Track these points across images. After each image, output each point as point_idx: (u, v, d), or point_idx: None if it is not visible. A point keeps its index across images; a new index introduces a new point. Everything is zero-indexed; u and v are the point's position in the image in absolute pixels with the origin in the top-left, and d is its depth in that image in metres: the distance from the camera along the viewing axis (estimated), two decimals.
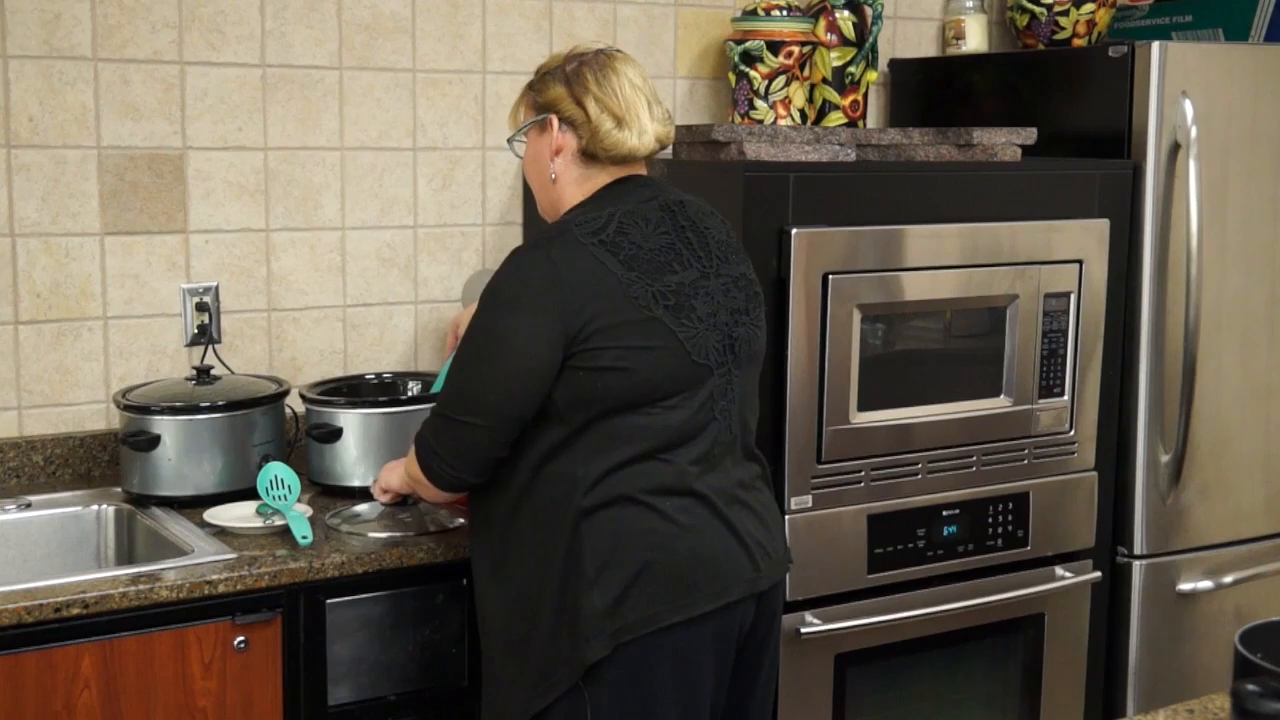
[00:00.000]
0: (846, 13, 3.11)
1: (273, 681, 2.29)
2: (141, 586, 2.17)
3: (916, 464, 2.73)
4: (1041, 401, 2.86)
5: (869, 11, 3.11)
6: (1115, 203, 2.94)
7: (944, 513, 2.76)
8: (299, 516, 2.42)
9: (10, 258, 2.68)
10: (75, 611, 2.12)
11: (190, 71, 2.79)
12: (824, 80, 3.14)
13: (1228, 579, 3.13)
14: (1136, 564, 3.05)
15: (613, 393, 2.03)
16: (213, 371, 2.69)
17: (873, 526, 2.68)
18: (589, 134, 2.14)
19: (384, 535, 2.40)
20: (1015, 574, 2.87)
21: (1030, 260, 2.80)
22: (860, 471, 2.66)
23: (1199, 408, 3.03)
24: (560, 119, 2.16)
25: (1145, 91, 2.94)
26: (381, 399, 2.69)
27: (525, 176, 2.31)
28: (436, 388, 2.42)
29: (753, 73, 3.06)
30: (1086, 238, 2.88)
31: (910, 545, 2.72)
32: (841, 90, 3.14)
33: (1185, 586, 3.09)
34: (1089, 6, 3.33)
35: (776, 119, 3.07)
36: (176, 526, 2.45)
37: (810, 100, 3.15)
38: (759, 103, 3.07)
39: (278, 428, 2.66)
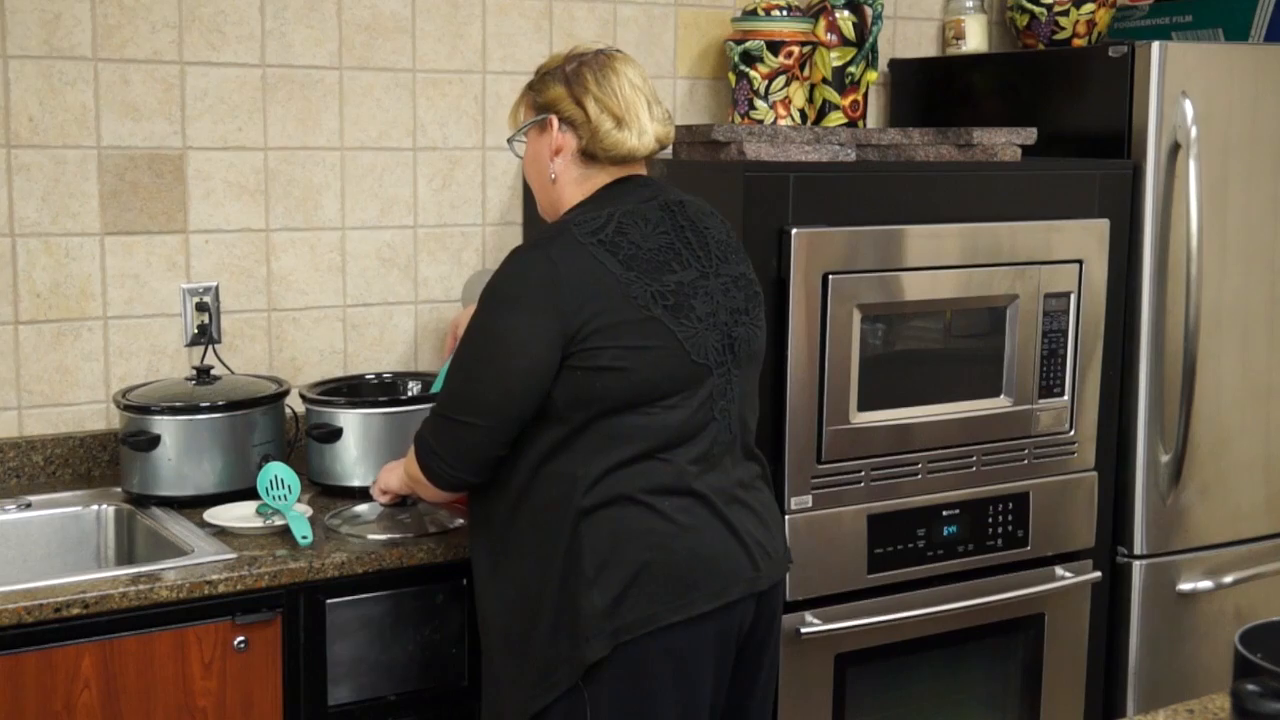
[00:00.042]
0: (846, 13, 3.11)
1: (273, 681, 2.29)
2: (141, 586, 2.17)
3: (916, 464, 2.73)
4: (1041, 401, 2.86)
5: (869, 11, 3.11)
6: (1115, 203, 2.94)
7: (944, 513, 2.76)
8: (299, 516, 2.42)
9: (10, 258, 2.68)
10: (75, 611, 2.12)
11: (190, 71, 2.79)
12: (824, 80, 3.14)
13: (1228, 579, 3.13)
14: (1136, 564, 3.05)
15: (612, 392, 2.03)
16: (213, 371, 2.69)
17: (873, 526, 2.68)
18: (589, 134, 2.14)
19: (383, 537, 2.40)
20: (1015, 574, 2.87)
21: (1030, 260, 2.80)
22: (860, 471, 2.66)
23: (1199, 408, 3.03)
24: (560, 119, 2.16)
25: (1145, 91, 2.94)
26: (381, 399, 2.69)
27: (525, 176, 2.31)
28: (436, 388, 2.42)
29: (753, 73, 3.06)
30: (1086, 238, 2.88)
31: (910, 545, 2.72)
32: (841, 90, 3.15)
33: (1185, 586, 3.09)
34: (1089, 6, 3.33)
35: (776, 119, 3.07)
36: (176, 526, 2.45)
37: (810, 100, 3.15)
38: (759, 103, 3.07)
39: (278, 428, 2.66)
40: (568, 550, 2.04)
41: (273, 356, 2.92)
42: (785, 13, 3.07)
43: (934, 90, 3.49)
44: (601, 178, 2.17)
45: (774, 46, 3.04)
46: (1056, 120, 3.12)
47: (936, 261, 2.70)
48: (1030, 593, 2.87)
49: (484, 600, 2.20)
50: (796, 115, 3.09)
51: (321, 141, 2.92)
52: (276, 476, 2.49)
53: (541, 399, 2.05)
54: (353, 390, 2.80)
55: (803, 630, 2.60)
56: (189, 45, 2.78)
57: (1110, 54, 3.00)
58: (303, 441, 2.75)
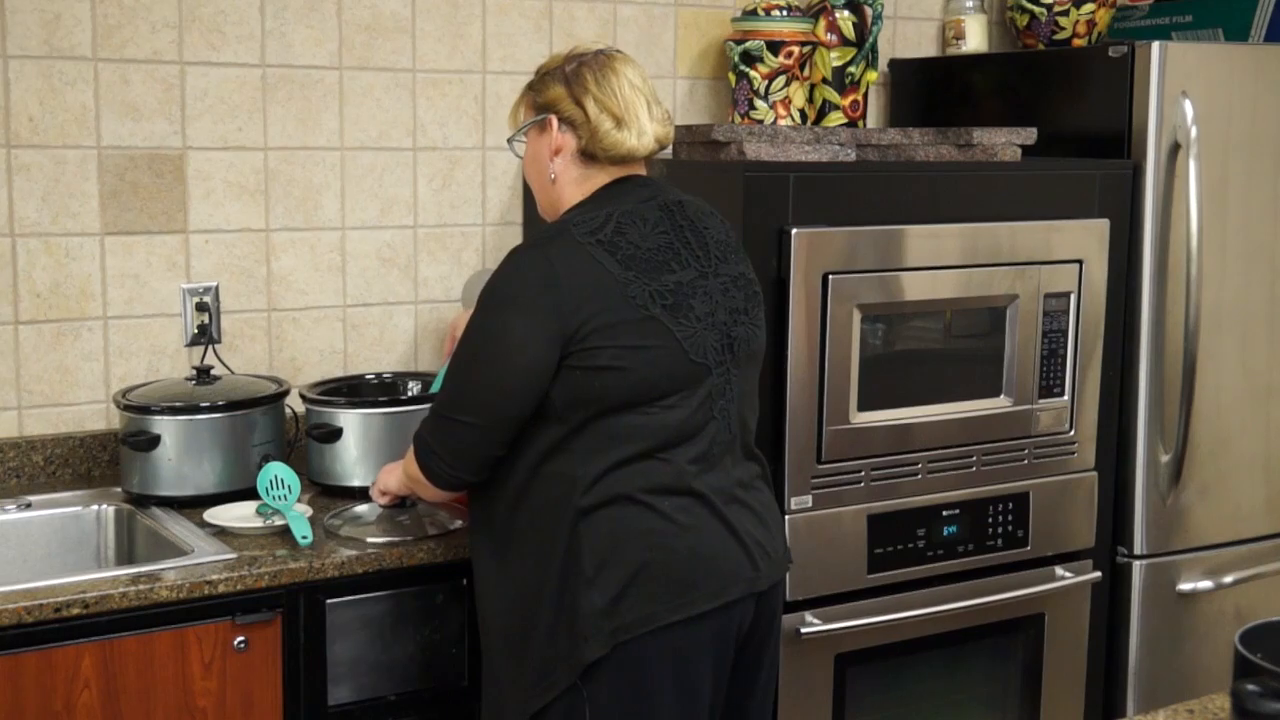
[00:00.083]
0: (846, 13, 3.11)
1: (273, 681, 2.29)
2: (141, 586, 2.17)
3: (916, 464, 2.73)
4: (1041, 401, 2.86)
5: (869, 11, 3.11)
6: (1115, 203, 2.94)
7: (944, 513, 2.76)
8: (299, 516, 2.42)
9: (10, 258, 2.68)
10: (75, 611, 2.12)
11: (190, 71, 2.79)
12: (824, 80, 3.14)
13: (1228, 579, 3.13)
14: (1136, 564, 3.05)
15: (610, 392, 2.03)
16: (213, 371, 2.69)
17: (873, 526, 2.68)
18: (588, 134, 2.14)
19: (382, 540, 2.40)
20: (1015, 574, 2.87)
21: (1030, 260, 2.80)
22: (860, 471, 2.66)
23: (1199, 408, 3.03)
24: (560, 119, 2.16)
25: (1145, 91, 2.94)
26: (381, 399, 2.69)
27: (525, 176, 2.31)
28: (435, 388, 2.42)
29: (753, 73, 3.06)
30: (1086, 238, 2.88)
31: (910, 545, 2.72)
32: (841, 90, 3.15)
33: (1185, 586, 3.09)
34: (1089, 6, 3.33)
35: (776, 119, 3.07)
36: (176, 526, 2.45)
37: (810, 100, 3.15)
38: (759, 103, 3.07)
39: (278, 428, 2.66)
40: (567, 550, 2.04)
41: (273, 356, 2.92)
42: (785, 13, 3.07)
43: (934, 90, 3.49)
44: (601, 178, 2.17)
45: (774, 46, 3.04)
46: (1056, 120, 3.12)
47: (936, 261, 2.70)
48: (1030, 593, 2.87)
49: (484, 600, 2.20)
50: (796, 115, 3.09)
51: (321, 141, 2.92)
52: (276, 476, 2.49)
53: (540, 399, 2.05)
54: (353, 390, 2.80)
55: (803, 630, 2.60)
56: (189, 45, 2.78)
57: (1110, 54, 3.00)
58: (303, 441, 2.75)
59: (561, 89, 2.16)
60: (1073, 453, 2.92)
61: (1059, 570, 2.92)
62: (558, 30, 3.13)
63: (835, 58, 3.13)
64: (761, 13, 3.07)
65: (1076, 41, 3.38)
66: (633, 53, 3.05)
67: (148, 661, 2.18)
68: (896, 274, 2.66)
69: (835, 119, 3.15)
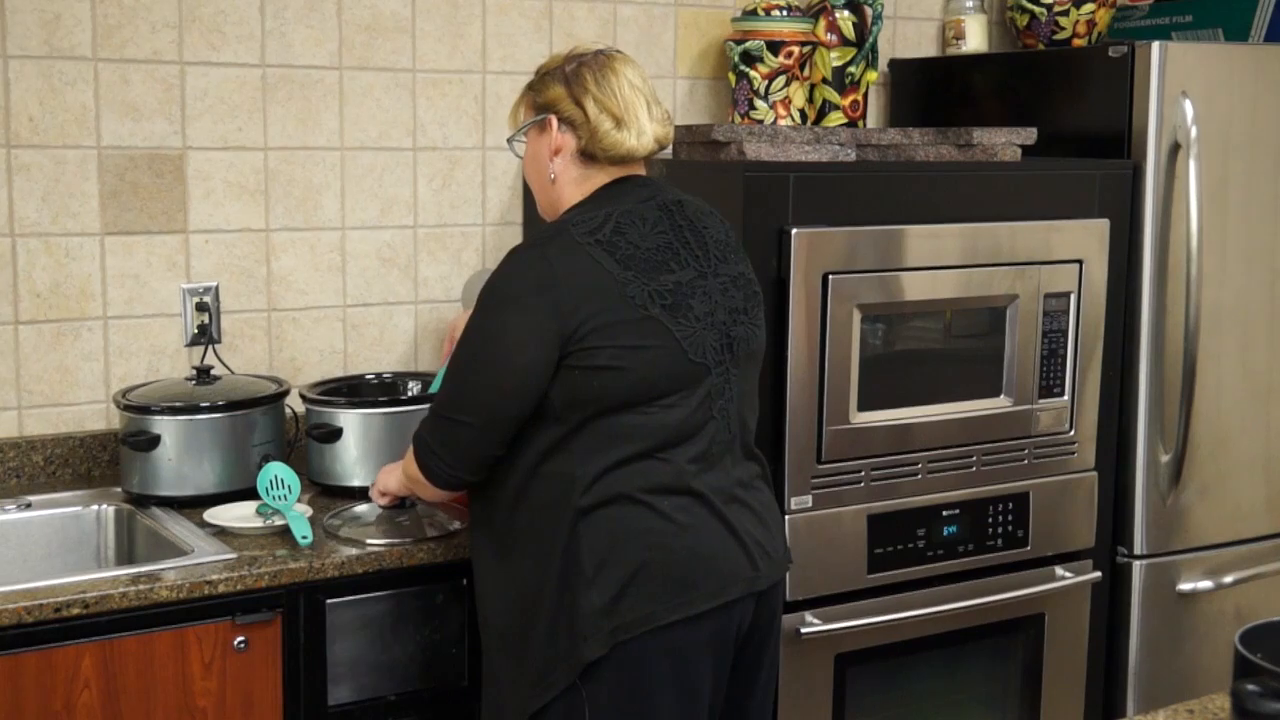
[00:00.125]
0: (846, 13, 3.11)
1: (273, 681, 2.29)
2: (141, 586, 2.17)
3: (916, 464, 2.73)
4: (1041, 401, 2.86)
5: (869, 11, 3.11)
6: (1115, 203, 2.94)
7: (944, 513, 2.76)
8: (299, 516, 2.42)
9: (10, 258, 2.68)
10: (75, 611, 2.12)
11: (190, 71, 2.79)
12: (824, 80, 3.14)
13: (1228, 579, 3.13)
14: (1136, 564, 3.05)
15: (609, 392, 2.03)
16: (213, 371, 2.69)
17: (873, 526, 2.68)
18: (588, 134, 2.14)
19: (381, 542, 2.40)
20: (1015, 574, 2.87)
21: (1030, 260, 2.80)
22: (860, 471, 2.66)
23: (1199, 408, 3.03)
24: (559, 119, 2.16)
25: (1145, 91, 2.94)
26: (381, 399, 2.69)
27: (525, 177, 2.31)
28: (434, 389, 2.42)
29: (753, 73, 3.06)
30: (1086, 238, 2.88)
31: (910, 545, 2.72)
32: (841, 90, 3.15)
33: (1185, 586, 3.09)
34: (1089, 6, 3.33)
35: (776, 119, 3.07)
36: (176, 526, 2.45)
37: (810, 100, 3.15)
38: (759, 103, 3.07)
39: (278, 428, 2.66)
40: (566, 549, 2.04)
41: (273, 356, 2.92)
42: (785, 13, 3.07)
43: (934, 90, 3.49)
44: (600, 178, 2.17)
45: (774, 46, 3.04)
46: (1056, 120, 3.12)
47: (936, 261, 2.70)
48: (1030, 593, 2.87)
49: (484, 599, 2.20)
50: (796, 115, 3.09)
51: (321, 141, 2.92)
52: (276, 476, 2.49)
53: (539, 398, 2.05)
54: (353, 390, 2.80)
55: (803, 630, 2.60)
56: (189, 45, 2.78)
57: (1110, 54, 3.00)
58: (303, 441, 2.75)
59: (561, 89, 2.16)
60: (1073, 453, 2.92)
61: (1059, 570, 2.92)
62: (558, 30, 3.13)
63: (835, 58, 3.13)
64: (761, 13, 3.07)
65: (1076, 41, 3.38)
66: (633, 53, 3.05)
67: (148, 661, 2.18)
68: (896, 274, 2.66)
69: (835, 119, 3.15)
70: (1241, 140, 3.04)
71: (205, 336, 2.83)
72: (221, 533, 2.42)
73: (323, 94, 2.91)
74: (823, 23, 3.12)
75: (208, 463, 2.56)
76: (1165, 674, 3.10)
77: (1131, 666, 3.07)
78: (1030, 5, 3.39)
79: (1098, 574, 2.97)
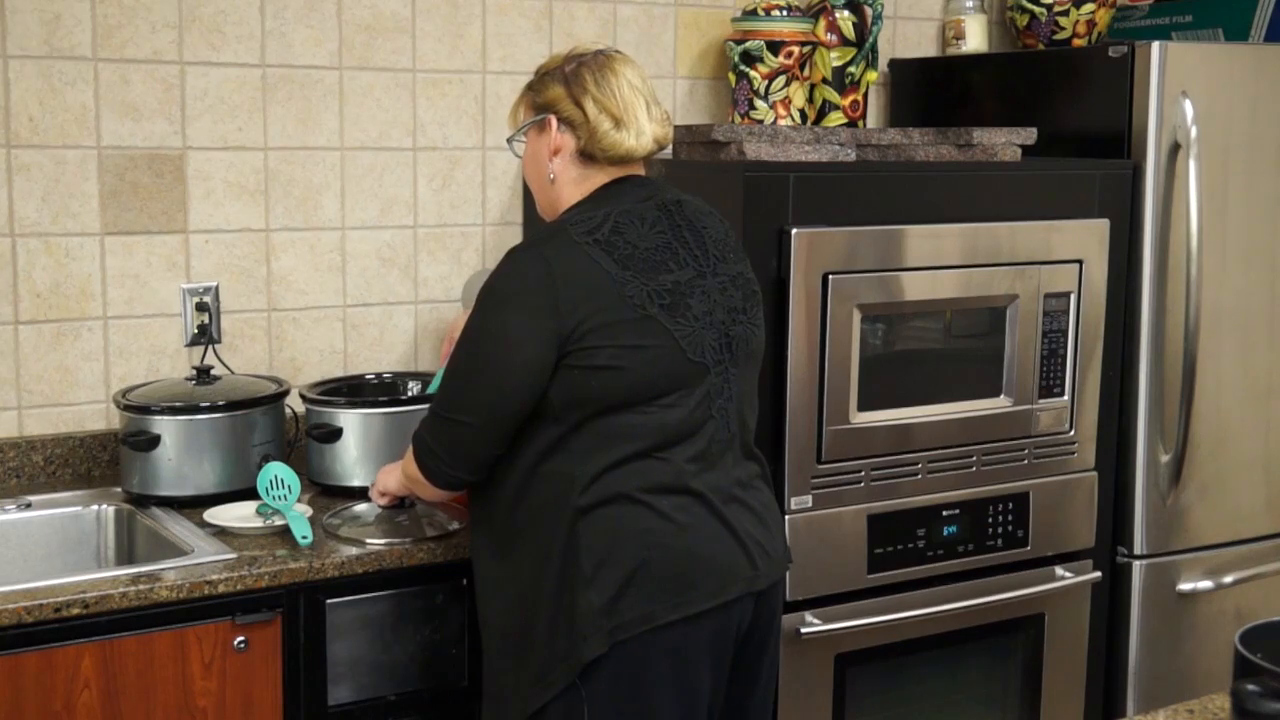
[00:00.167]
0: (846, 13, 3.11)
1: (273, 681, 2.29)
2: (141, 586, 2.17)
3: (916, 464, 2.73)
4: (1041, 401, 2.86)
5: (869, 11, 3.11)
6: (1115, 203, 2.94)
7: (944, 513, 2.76)
8: (299, 516, 2.42)
9: (10, 258, 2.68)
10: (75, 611, 2.12)
11: (190, 71, 2.79)
12: (824, 80, 3.14)
13: (1228, 579, 3.13)
14: (1136, 564, 3.05)
15: (608, 391, 2.03)
16: (213, 371, 2.69)
17: (873, 526, 2.68)
18: (587, 134, 2.14)
19: (381, 542, 2.40)
20: (1015, 574, 2.87)
21: (1030, 260, 2.80)
22: (860, 471, 2.66)
23: (1199, 408, 3.03)
24: (559, 119, 2.16)
25: (1145, 91, 2.94)
26: (381, 399, 2.69)
27: (524, 177, 2.31)
28: (432, 389, 2.42)
29: (753, 73, 3.06)
30: (1086, 238, 2.88)
31: (910, 545, 2.72)
32: (841, 90, 3.15)
33: (1185, 586, 3.09)
34: (1089, 6, 3.33)
35: (776, 119, 3.07)
36: (176, 526, 2.45)
37: (810, 100, 3.15)
38: (759, 103, 3.07)
39: (278, 428, 2.66)
40: (565, 549, 2.05)
41: (273, 356, 2.92)
42: (785, 13, 3.07)
43: (934, 90, 3.49)
44: (600, 178, 2.17)
45: (774, 46, 3.04)
46: (1056, 120, 3.12)
47: (936, 261, 2.70)
48: (1030, 593, 2.87)
49: (484, 599, 2.20)
50: (796, 115, 3.09)
51: (321, 141, 2.92)
52: (276, 476, 2.49)
53: (537, 398, 2.05)
54: (353, 390, 2.80)
55: (803, 630, 2.60)
56: (189, 45, 2.78)
57: (1110, 54, 3.00)
58: (303, 441, 2.75)
59: (561, 89, 2.16)
60: (1073, 453, 2.92)
61: (1059, 570, 2.92)
62: (558, 30, 3.13)
63: (835, 58, 3.13)
64: (761, 13, 3.07)
65: (1076, 41, 3.38)
66: (633, 53, 3.05)
67: (148, 661, 2.18)
68: (896, 274, 2.66)
69: (835, 119, 3.15)
70: (1241, 140, 3.04)
71: (205, 336, 2.83)
72: (221, 533, 2.42)
73: (323, 94, 2.91)
74: (823, 23, 3.12)
75: (208, 463, 2.56)
76: (1165, 674, 3.10)
77: (1131, 666, 3.07)
78: (1030, 5, 3.39)
79: (1098, 574, 2.97)
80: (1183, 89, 2.94)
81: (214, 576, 2.22)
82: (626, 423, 2.04)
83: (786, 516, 2.57)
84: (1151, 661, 3.08)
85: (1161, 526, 3.06)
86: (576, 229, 2.08)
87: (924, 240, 2.68)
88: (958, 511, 2.77)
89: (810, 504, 2.61)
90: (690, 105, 3.31)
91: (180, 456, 2.54)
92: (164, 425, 2.54)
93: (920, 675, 2.86)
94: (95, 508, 2.61)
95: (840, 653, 2.68)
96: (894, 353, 2.75)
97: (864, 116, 3.18)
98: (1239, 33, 3.32)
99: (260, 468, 2.52)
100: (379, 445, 2.62)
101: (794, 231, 2.52)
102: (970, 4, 3.57)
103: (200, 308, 2.83)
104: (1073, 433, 2.91)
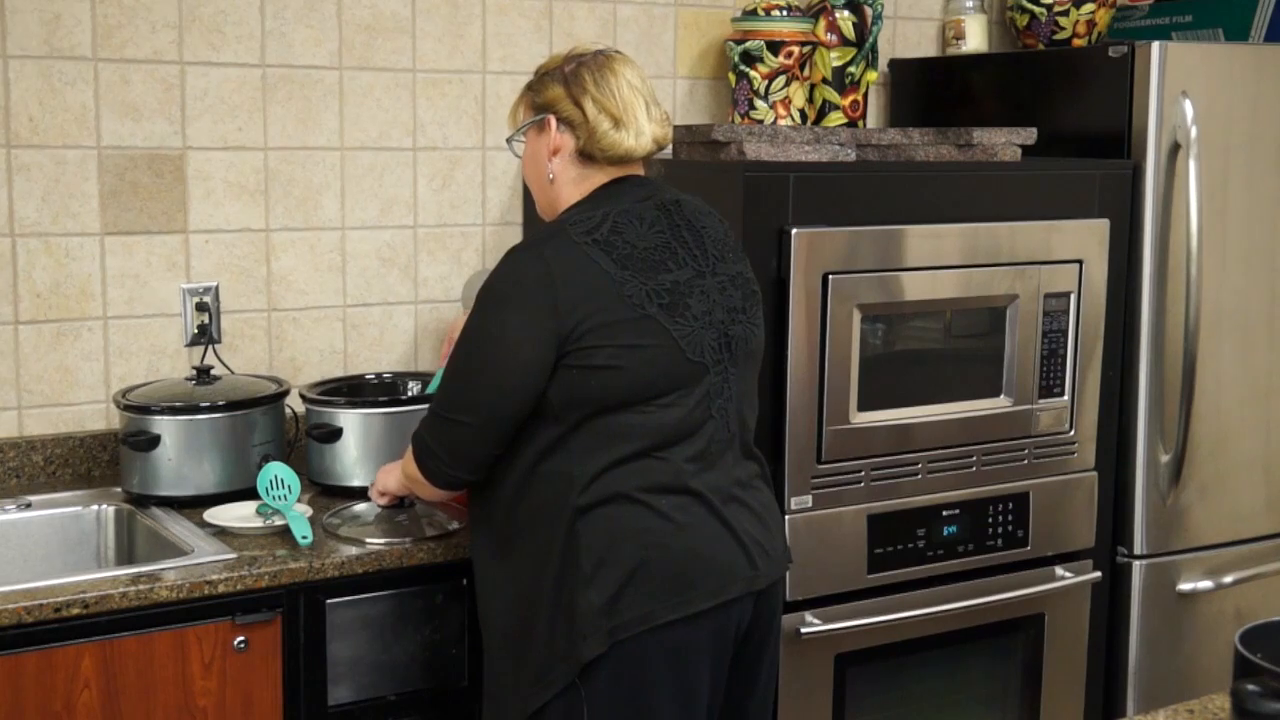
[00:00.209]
0: (846, 13, 3.11)
1: (273, 681, 2.29)
2: (141, 586, 2.17)
3: (916, 464, 2.73)
4: (1041, 401, 2.86)
5: (869, 11, 3.11)
6: (1115, 203, 2.94)
7: (944, 513, 2.76)
8: (299, 516, 2.42)
9: (10, 258, 2.68)
10: (75, 611, 2.12)
11: (190, 71, 2.79)
12: (824, 80, 3.14)
13: (1228, 579, 3.13)
14: (1136, 564, 3.05)
15: (607, 391, 2.03)
16: (213, 371, 2.69)
17: (873, 526, 2.68)
18: (586, 134, 2.14)
19: (381, 541, 2.40)
20: (1015, 574, 2.87)
21: (1030, 260, 2.80)
22: (860, 471, 2.66)
23: (1199, 408, 3.03)
24: (558, 119, 2.16)
25: (1145, 91, 2.94)
26: (381, 399, 2.69)
27: (524, 177, 2.31)
28: (431, 389, 2.43)
29: (753, 73, 3.06)
30: (1086, 238, 2.88)
31: (910, 545, 2.72)
32: (841, 90, 3.15)
33: (1185, 586, 3.09)
34: (1089, 6, 3.33)
35: (776, 119, 3.07)
36: (176, 526, 2.45)
37: (810, 100, 3.15)
38: (759, 103, 3.07)
39: (278, 428, 2.66)
40: (564, 548, 2.05)
41: (273, 356, 2.92)
42: (785, 13, 3.07)
43: (934, 90, 3.49)
44: (599, 178, 2.17)
45: (774, 46, 3.04)
46: (1056, 120, 3.12)
47: (936, 261, 2.70)
48: (1030, 593, 2.87)
49: (484, 599, 2.20)
50: (796, 115, 3.09)
51: (321, 141, 2.92)
52: (276, 476, 2.49)
53: (536, 398, 2.05)
54: (353, 390, 2.80)
55: (803, 630, 2.60)
56: (189, 45, 2.78)
57: (1110, 54, 3.00)
58: (303, 441, 2.75)
59: (560, 89, 2.16)
60: (1073, 453, 2.92)
61: (1059, 570, 2.92)
62: (558, 30, 3.13)
63: (835, 58, 3.13)
64: (761, 13, 3.07)
65: (1076, 41, 3.38)
66: (633, 53, 3.05)
67: (148, 661, 2.18)
68: (896, 274, 2.66)
69: (835, 119, 3.15)
70: (1241, 140, 3.04)
71: (205, 336, 2.83)
72: (221, 533, 2.42)
73: (323, 94, 2.91)
74: (823, 23, 3.12)
75: (208, 463, 2.56)
76: (1165, 674, 3.10)
77: (1131, 666, 3.07)
78: (1030, 5, 3.39)
79: (1098, 574, 2.97)
80: (1183, 89, 2.94)
81: (214, 576, 2.22)
82: (626, 422, 2.05)
83: (786, 516, 2.57)
84: (1151, 661, 3.08)
85: (1161, 526, 3.06)
86: (575, 229, 2.08)
87: (924, 240, 2.68)
88: (958, 511, 2.77)
89: (810, 504, 2.61)
90: (690, 105, 3.31)
91: (180, 456, 2.54)
92: (164, 425, 2.54)
93: (920, 675, 2.86)
94: (95, 508, 2.61)
95: (840, 653, 2.68)
96: (894, 353, 2.75)
97: (864, 116, 3.18)
98: (1239, 33, 3.32)
99: (260, 468, 2.52)
100: (379, 445, 2.62)
101: (794, 231, 2.52)
102: (970, 4, 3.57)
103: (200, 308, 2.83)
104: (1073, 433, 2.91)
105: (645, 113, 2.16)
